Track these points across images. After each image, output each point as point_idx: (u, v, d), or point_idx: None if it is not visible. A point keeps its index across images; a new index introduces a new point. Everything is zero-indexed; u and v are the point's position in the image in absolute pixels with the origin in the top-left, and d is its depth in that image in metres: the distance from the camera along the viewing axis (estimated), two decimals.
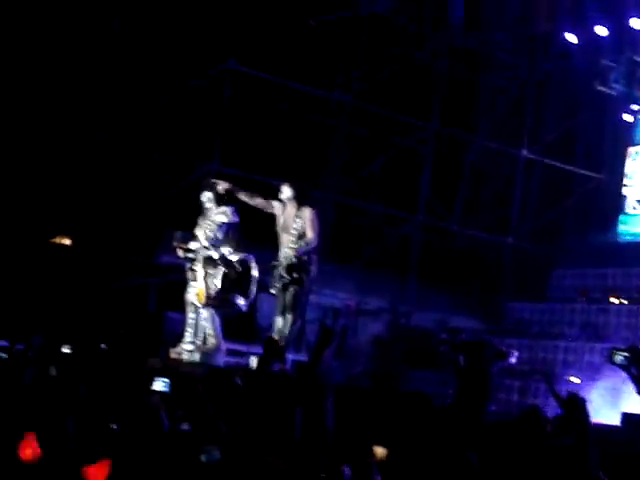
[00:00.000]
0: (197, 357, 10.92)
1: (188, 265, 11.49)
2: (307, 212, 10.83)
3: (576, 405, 6.07)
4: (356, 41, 17.52)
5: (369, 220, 17.97)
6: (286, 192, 10.92)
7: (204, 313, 11.11)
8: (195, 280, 11.36)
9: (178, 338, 11.41)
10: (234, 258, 11.10)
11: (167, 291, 14.81)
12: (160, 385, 6.90)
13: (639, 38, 17.99)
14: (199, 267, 11.24)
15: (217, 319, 11.10)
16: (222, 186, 11.22)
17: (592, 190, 19.89)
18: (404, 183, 18.12)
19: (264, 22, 16.19)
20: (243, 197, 11.15)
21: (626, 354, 6.00)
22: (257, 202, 11.13)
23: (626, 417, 9.64)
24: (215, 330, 11.05)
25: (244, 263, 11.11)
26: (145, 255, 15.74)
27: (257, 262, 11.21)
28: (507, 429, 6.20)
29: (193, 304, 11.30)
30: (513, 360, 11.59)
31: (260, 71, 16.58)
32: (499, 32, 18.03)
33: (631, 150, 20.37)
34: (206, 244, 11.30)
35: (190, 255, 11.37)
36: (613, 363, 5.89)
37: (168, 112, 15.92)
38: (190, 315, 11.33)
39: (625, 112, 19.96)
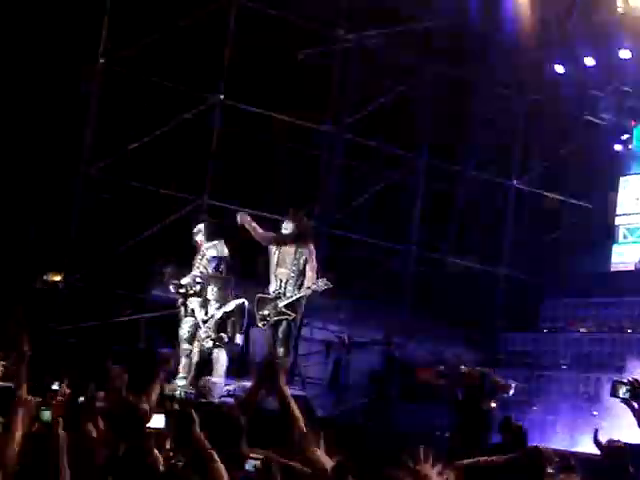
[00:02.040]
0: (192, 393, 10.76)
1: (180, 300, 11.39)
2: (308, 248, 10.77)
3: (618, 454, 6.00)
4: (344, 74, 17.54)
5: (361, 252, 17.89)
6: (288, 226, 10.85)
7: (213, 353, 10.94)
8: (187, 315, 11.25)
9: (171, 374, 11.26)
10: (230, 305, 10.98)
11: (158, 327, 14.66)
12: (158, 421, 6.76)
13: (627, 68, 18.10)
14: (193, 302, 11.15)
15: (224, 359, 10.94)
16: (241, 218, 11.08)
17: (582, 220, 19.91)
18: (396, 215, 18.08)
19: (253, 56, 16.20)
20: (252, 230, 11.03)
21: (628, 387, 5.90)
22: (260, 235, 11.04)
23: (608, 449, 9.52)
24: (220, 369, 10.88)
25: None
26: (136, 291, 15.60)
27: (246, 295, 11.13)
28: (510, 467, 6.06)
29: (186, 339, 11.17)
30: (512, 392, 11.49)
31: (249, 105, 16.56)
32: (488, 63, 18.08)
33: (622, 180, 20.48)
34: (198, 279, 11.22)
35: (182, 290, 11.28)
36: (616, 396, 5.79)
37: (158, 146, 15.86)
38: (183, 350, 11.20)
39: (615, 142, 20.08)
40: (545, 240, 19.56)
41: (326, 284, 10.45)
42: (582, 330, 17.78)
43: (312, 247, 10.83)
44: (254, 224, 10.98)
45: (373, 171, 17.91)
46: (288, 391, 4.69)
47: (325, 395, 15.18)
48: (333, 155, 17.69)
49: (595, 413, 13.70)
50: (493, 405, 10.36)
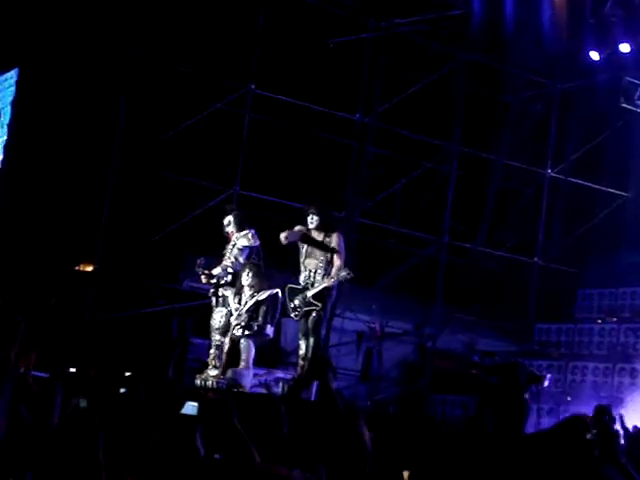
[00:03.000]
0: (224, 382, 10.74)
1: (212, 290, 11.38)
2: (335, 238, 10.71)
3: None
4: (376, 62, 17.41)
5: (393, 242, 17.78)
6: (314, 219, 10.78)
7: (242, 342, 10.90)
8: (219, 305, 11.24)
9: (204, 364, 11.25)
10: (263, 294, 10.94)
11: (191, 317, 14.69)
12: (190, 408, 6.75)
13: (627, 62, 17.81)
14: (226, 292, 11.15)
15: (252, 348, 10.90)
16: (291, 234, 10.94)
17: (619, 208, 19.65)
18: (428, 204, 17.94)
19: (283, 45, 16.13)
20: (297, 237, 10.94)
21: None
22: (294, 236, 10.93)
23: None
24: (248, 358, 10.85)
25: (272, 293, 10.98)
26: (168, 281, 15.63)
27: (277, 285, 11.09)
28: (548, 439, 6.02)
29: (218, 329, 11.16)
30: (546, 383, 11.35)
31: (280, 94, 16.50)
32: (522, 50, 17.85)
33: None
34: (230, 269, 11.19)
35: (213, 281, 11.27)
36: None
37: (190, 136, 15.85)
38: (215, 341, 11.19)
39: None
40: (580, 229, 19.33)
41: (349, 273, 10.39)
42: (616, 320, 17.56)
43: (340, 237, 10.75)
44: (295, 231, 10.87)
45: (405, 160, 17.79)
46: (333, 387, 4.63)
47: (357, 386, 15.13)
48: (365, 144, 17.59)
49: (568, 398, 13.56)
50: (526, 396, 10.23)
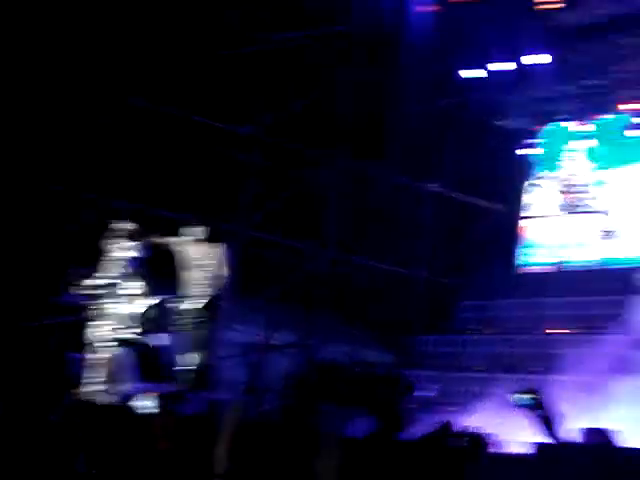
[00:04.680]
0: (104, 397, 10.59)
1: (89, 303, 11.24)
2: (220, 250, 10.77)
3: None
4: (264, 75, 17.53)
5: (277, 254, 17.89)
6: (195, 231, 10.81)
7: (117, 352, 10.80)
8: (97, 318, 11.11)
9: (80, 379, 11.09)
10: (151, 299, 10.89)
11: (69, 331, 14.39)
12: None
13: (535, 73, 18.56)
14: (106, 304, 11.00)
15: (130, 358, 10.81)
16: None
17: (495, 223, 20.34)
18: (314, 217, 18.13)
19: (168, 56, 16.06)
20: (149, 239, 10.97)
21: (531, 396, 6.02)
22: (160, 242, 10.96)
23: (541, 447, 9.76)
24: (127, 370, 10.75)
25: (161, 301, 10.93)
26: (48, 294, 15.27)
27: (162, 296, 11.05)
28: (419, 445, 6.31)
29: (95, 343, 11.02)
30: (431, 393, 11.67)
31: (163, 105, 16.40)
32: (403, 67, 18.29)
33: (528, 183, 21.07)
34: (112, 280, 11.08)
35: (91, 292, 11.13)
36: (519, 406, 5.92)
37: (74, 147, 15.58)
38: (92, 354, 11.04)
39: (523, 146, 20.63)
40: (460, 243, 19.89)
41: (227, 285, 10.48)
42: (492, 332, 18.14)
43: (225, 249, 10.82)
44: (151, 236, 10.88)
45: (290, 173, 17.94)
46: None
47: (242, 399, 15.12)
48: (251, 156, 17.65)
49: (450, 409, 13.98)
50: (404, 405, 10.51)
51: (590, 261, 19.70)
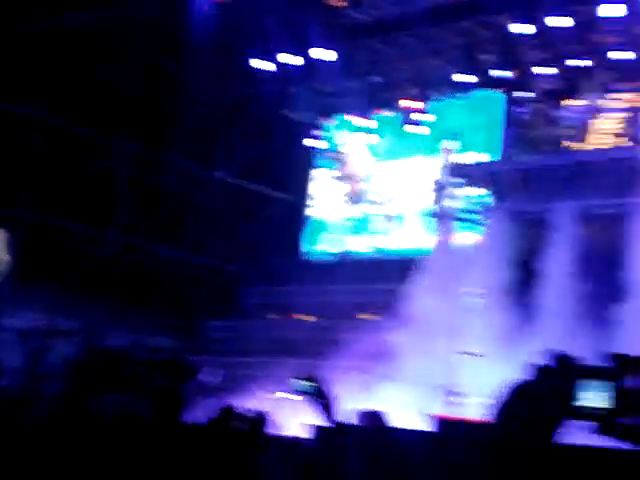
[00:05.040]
0: None
1: None
2: (1, 235, 10.47)
3: None
4: (47, 55, 17.03)
5: (65, 240, 17.49)
6: None
7: None
8: None
9: None
10: None
11: None
12: None
13: (322, 68, 19.12)
14: None
15: None
16: None
17: (282, 211, 20.77)
18: (102, 203, 17.84)
19: None
20: None
21: (310, 383, 6.27)
22: None
23: (320, 430, 10.17)
24: None
25: None
26: None
27: None
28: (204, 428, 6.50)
29: None
30: (207, 377, 11.81)
31: None
32: (192, 56, 18.31)
33: (314, 173, 21.70)
34: None
35: None
36: (298, 392, 6.17)
37: None
38: None
39: (309, 137, 21.19)
40: (247, 230, 20.16)
41: (7, 271, 10.25)
42: (276, 317, 18.54)
43: (3, 235, 10.53)
44: None
45: (80, 157, 17.55)
46: None
47: (20, 384, 14.73)
48: (35, 139, 17.14)
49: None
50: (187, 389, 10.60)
51: (372, 251, 20.53)
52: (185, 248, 19.22)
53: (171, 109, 19.00)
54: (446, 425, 10.21)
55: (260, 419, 6.84)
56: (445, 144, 19.43)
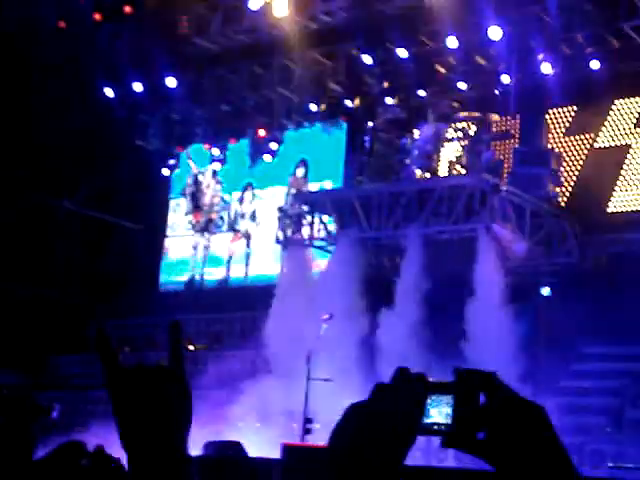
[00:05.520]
0: None
1: None
2: None
3: None
4: None
5: None
6: None
7: None
8: None
9: None
10: None
11: None
12: None
13: (174, 96, 19.04)
14: None
15: None
16: None
17: (136, 242, 20.47)
18: None
19: None
20: None
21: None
22: None
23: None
24: None
25: None
26: None
27: None
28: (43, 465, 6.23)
29: None
30: (55, 414, 11.46)
31: None
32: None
33: (172, 203, 21.51)
34: None
35: None
36: None
37: None
38: None
39: (163, 166, 21.00)
40: (100, 261, 19.76)
41: None
42: (129, 350, 18.23)
43: None
44: None
45: None
46: None
47: None
48: None
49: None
50: (34, 427, 10.27)
51: (225, 279, 20.49)
52: (34, 281, 18.67)
53: (17, 137, 18.49)
54: (292, 452, 10.29)
55: (103, 455, 6.68)
56: (294, 172, 19.66)
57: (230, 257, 20.59)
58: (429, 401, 1.22)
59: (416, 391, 1.18)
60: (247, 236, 20.44)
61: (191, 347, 17.14)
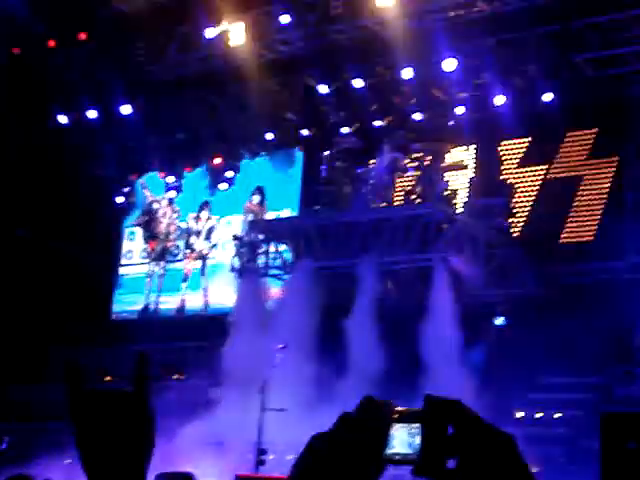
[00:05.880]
0: None
1: None
2: None
3: None
4: None
5: None
6: None
7: None
8: None
9: None
10: None
11: None
12: None
13: (128, 123, 18.91)
14: None
15: None
16: None
17: (90, 270, 20.23)
18: None
19: None
20: None
21: None
22: None
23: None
24: None
25: None
26: None
27: None
28: None
29: None
30: (4, 445, 11.26)
31: None
32: None
33: (127, 230, 21.32)
34: None
35: None
36: None
37: None
38: None
39: (117, 194, 20.81)
40: (53, 290, 19.47)
41: None
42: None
43: None
44: None
45: None
46: None
47: None
48: None
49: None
50: None
51: (180, 308, 20.30)
52: None
53: None
54: None
55: None
56: (249, 199, 19.60)
57: (186, 276, 20.39)
58: (396, 430, 1.18)
59: (382, 420, 1.14)
60: (202, 257, 20.29)
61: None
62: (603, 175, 16.43)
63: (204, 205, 20.48)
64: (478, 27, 15.39)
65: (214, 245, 20.11)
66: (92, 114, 18.86)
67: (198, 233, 20.45)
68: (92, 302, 20.07)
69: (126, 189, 20.92)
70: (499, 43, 15.73)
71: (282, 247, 16.62)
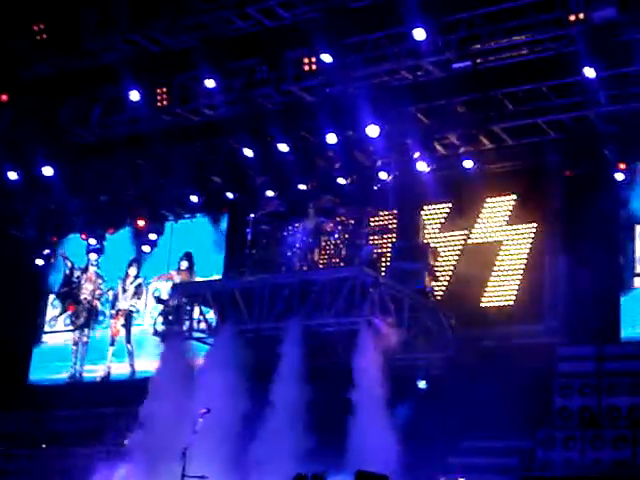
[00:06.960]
0: None
1: None
2: None
3: None
4: None
5: None
6: None
7: None
8: None
9: None
10: None
11: None
12: None
13: (49, 185, 18.75)
14: None
15: None
16: None
17: (9, 336, 19.82)
18: None
19: None
20: None
21: None
22: None
23: None
24: None
25: None
26: None
27: None
28: None
29: None
30: None
31: None
32: None
33: (51, 297, 21.05)
34: None
35: None
36: None
37: None
38: None
39: (39, 257, 20.48)
40: None
41: None
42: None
43: None
44: None
45: None
46: None
47: None
48: None
49: None
50: None
51: (102, 374, 19.96)
52: None
53: None
54: None
55: None
56: (178, 266, 19.51)
57: (112, 339, 20.07)
58: None
59: None
60: (129, 316, 20.04)
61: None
62: (522, 240, 16.82)
63: (133, 262, 20.29)
64: (401, 95, 15.73)
65: (144, 306, 19.90)
66: (13, 175, 18.65)
67: (125, 291, 20.24)
68: (11, 368, 19.66)
69: (46, 251, 20.62)
70: (421, 111, 16.10)
71: (207, 310, 16.51)
